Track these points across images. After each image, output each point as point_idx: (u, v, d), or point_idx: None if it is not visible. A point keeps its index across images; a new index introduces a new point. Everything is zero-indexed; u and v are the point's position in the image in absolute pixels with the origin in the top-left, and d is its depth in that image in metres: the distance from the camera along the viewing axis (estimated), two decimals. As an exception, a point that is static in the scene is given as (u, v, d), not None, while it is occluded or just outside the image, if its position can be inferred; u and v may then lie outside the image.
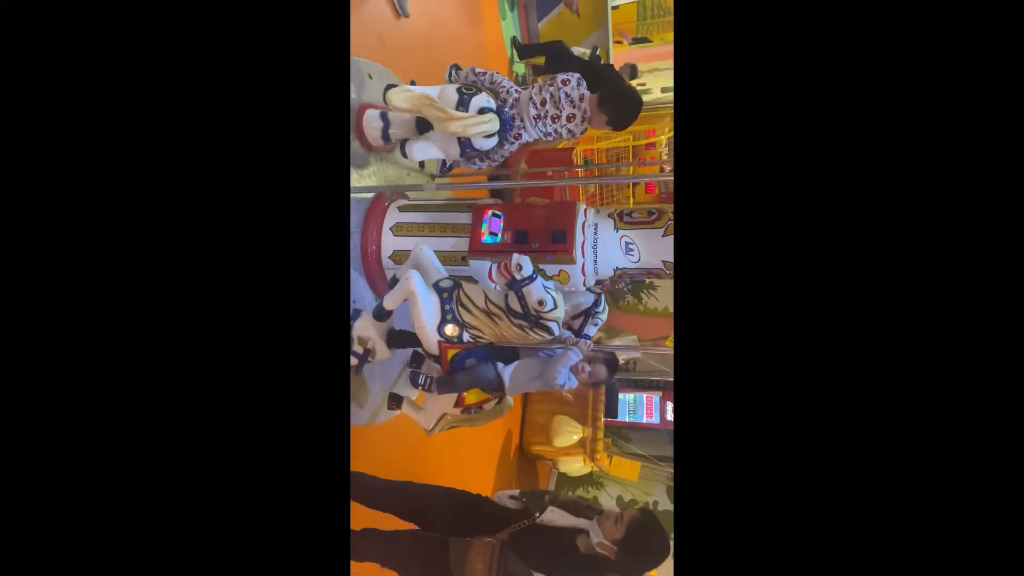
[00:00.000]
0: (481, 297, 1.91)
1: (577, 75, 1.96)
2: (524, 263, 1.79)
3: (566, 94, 1.92)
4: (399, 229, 2.16)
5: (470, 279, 2.07)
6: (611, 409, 4.85)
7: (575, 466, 4.63)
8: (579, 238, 1.97)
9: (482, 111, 1.90)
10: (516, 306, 1.84)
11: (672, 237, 1.89)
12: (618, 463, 4.47)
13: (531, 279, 1.79)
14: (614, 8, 5.36)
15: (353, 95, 2.26)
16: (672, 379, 4.89)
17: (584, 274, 1.98)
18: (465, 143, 1.94)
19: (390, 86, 2.05)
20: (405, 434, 2.57)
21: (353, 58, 2.28)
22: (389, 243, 2.15)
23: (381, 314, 1.99)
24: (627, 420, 5.05)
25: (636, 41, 5.85)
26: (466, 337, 1.94)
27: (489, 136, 1.92)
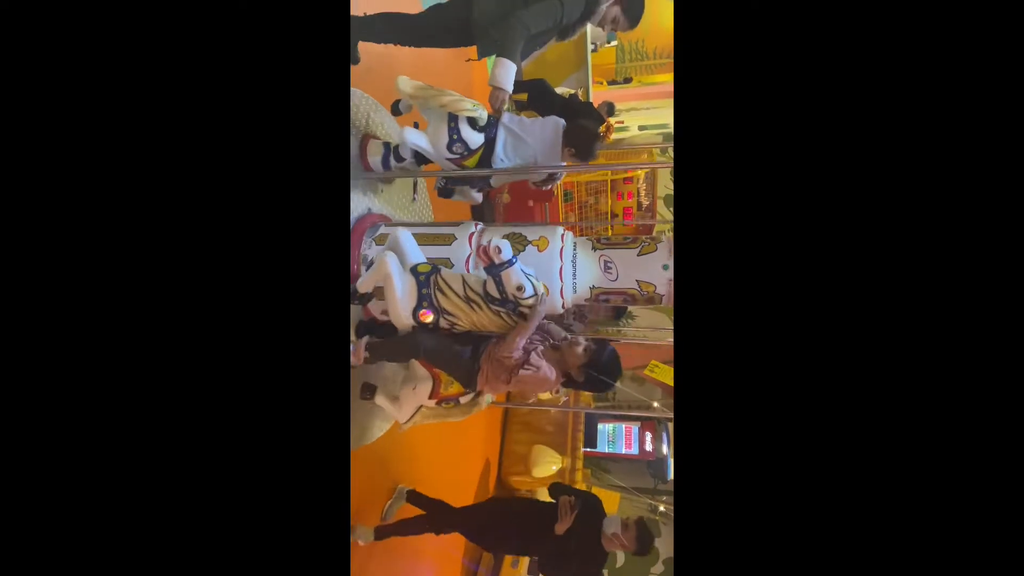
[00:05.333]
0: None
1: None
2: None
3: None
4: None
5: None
6: (590, 439, 4.85)
7: (554, 497, 4.58)
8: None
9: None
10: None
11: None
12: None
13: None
14: (593, 51, 5.60)
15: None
16: (649, 410, 4.92)
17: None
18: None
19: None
20: (385, 460, 2.54)
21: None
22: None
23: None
24: (606, 451, 5.05)
25: (613, 83, 6.10)
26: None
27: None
